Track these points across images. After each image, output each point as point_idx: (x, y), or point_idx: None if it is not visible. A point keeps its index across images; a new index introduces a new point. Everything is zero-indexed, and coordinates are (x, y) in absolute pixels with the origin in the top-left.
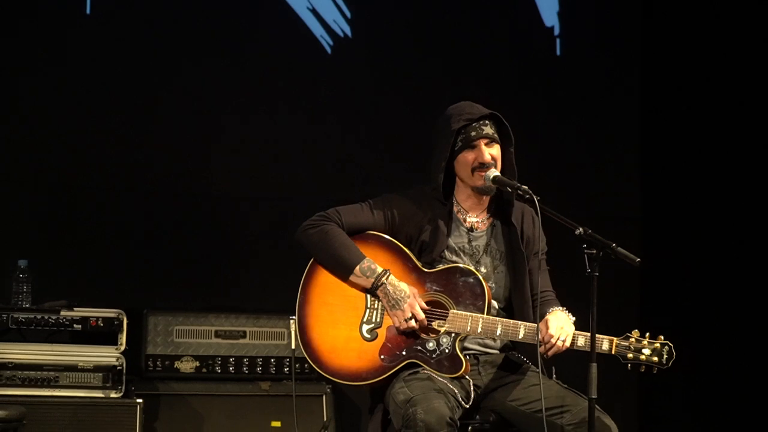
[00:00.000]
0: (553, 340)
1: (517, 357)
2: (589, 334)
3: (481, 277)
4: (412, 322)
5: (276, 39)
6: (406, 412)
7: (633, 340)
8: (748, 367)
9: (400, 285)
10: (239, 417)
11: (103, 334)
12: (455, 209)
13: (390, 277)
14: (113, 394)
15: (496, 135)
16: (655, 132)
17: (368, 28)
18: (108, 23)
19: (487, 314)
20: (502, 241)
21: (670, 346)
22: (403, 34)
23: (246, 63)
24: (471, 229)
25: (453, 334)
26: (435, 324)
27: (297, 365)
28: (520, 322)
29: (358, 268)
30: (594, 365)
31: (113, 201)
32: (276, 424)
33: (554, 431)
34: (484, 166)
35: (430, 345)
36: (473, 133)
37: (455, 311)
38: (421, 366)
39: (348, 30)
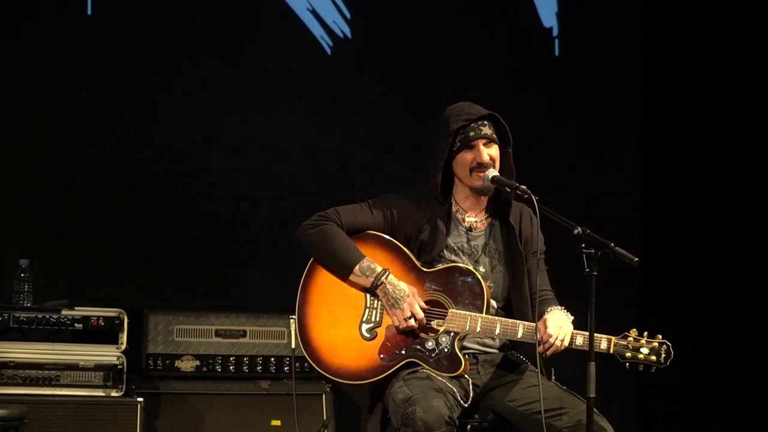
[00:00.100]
0: (551, 340)
1: (516, 356)
2: (587, 333)
3: (479, 277)
4: (412, 321)
5: (276, 40)
6: (406, 410)
7: (631, 339)
8: (747, 367)
9: (399, 284)
10: (239, 416)
11: (104, 334)
12: (454, 209)
13: (389, 277)
14: (114, 393)
15: (494, 135)
16: (654, 132)
17: (368, 29)
18: (108, 24)
19: (485, 313)
20: (501, 241)
21: (668, 345)
22: (402, 35)
23: (246, 63)
24: (470, 229)
25: (452, 334)
26: (434, 323)
27: (297, 364)
28: (518, 321)
29: (357, 267)
30: (592, 364)
31: (114, 201)
32: (276, 422)
33: None
34: (482, 167)
35: (430, 344)
36: (472, 134)
37: (454, 310)
38: (421, 365)
39: (348, 31)
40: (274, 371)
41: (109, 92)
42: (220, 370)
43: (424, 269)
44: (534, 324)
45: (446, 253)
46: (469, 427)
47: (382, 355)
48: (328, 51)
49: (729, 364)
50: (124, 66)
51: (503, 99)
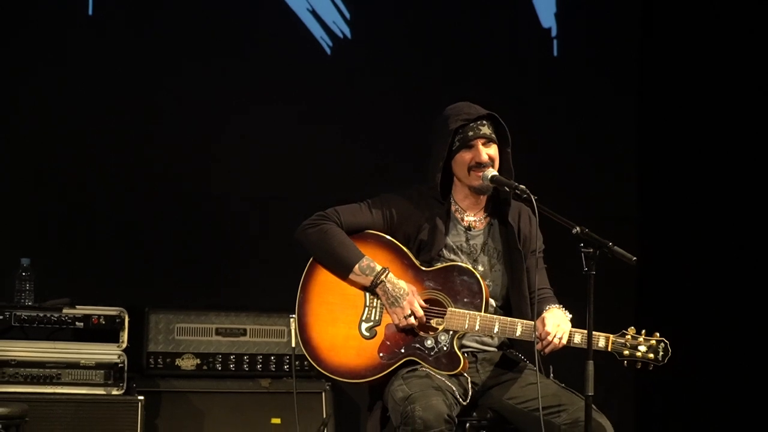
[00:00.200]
0: (549, 338)
1: (514, 355)
2: (585, 331)
3: (478, 276)
4: (411, 320)
5: (276, 40)
6: (405, 409)
7: (629, 337)
8: (745, 365)
9: (398, 283)
10: (239, 414)
11: (105, 332)
12: (453, 208)
13: (389, 275)
14: (115, 391)
15: (493, 135)
16: (653, 132)
17: (367, 30)
18: (109, 24)
19: (484, 312)
20: (500, 240)
21: (665, 343)
22: (401, 35)
23: (246, 63)
24: (468, 228)
25: (451, 332)
26: (433, 322)
27: (297, 363)
28: (517, 319)
29: (357, 266)
30: (590, 363)
31: (115, 200)
32: (276, 420)
33: (550, 430)
34: (481, 166)
35: (429, 343)
36: (470, 133)
37: (453, 309)
38: (420, 363)
39: (347, 31)
40: (274, 370)
41: (110, 92)
42: (220, 368)
43: (424, 268)
44: (532, 322)
45: (445, 253)
46: (468, 425)
47: (381, 354)
48: (328, 51)
49: (727, 362)
50: (124, 66)
51: (502, 99)
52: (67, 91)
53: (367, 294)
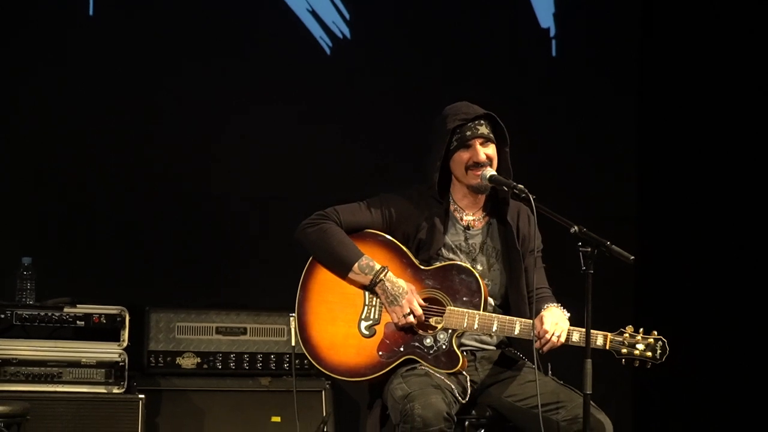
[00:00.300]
0: (548, 336)
1: (513, 353)
2: (583, 329)
3: (477, 275)
4: (410, 318)
5: (276, 40)
6: (404, 407)
7: (627, 335)
8: (743, 363)
9: (398, 282)
10: (240, 412)
11: (106, 331)
12: (452, 208)
13: (388, 274)
14: (116, 390)
15: (491, 135)
16: (652, 132)
17: (367, 30)
18: (109, 25)
19: (483, 311)
20: (498, 239)
21: (663, 342)
22: (401, 35)
23: (246, 63)
24: (467, 228)
25: (450, 331)
26: (432, 320)
27: (297, 361)
28: (515, 318)
29: (356, 265)
30: (589, 361)
31: (116, 200)
32: (276, 419)
33: (549, 427)
34: (479, 166)
35: (428, 341)
36: (468, 133)
37: (452, 308)
38: (419, 362)
39: (347, 31)
40: (274, 368)
41: (110, 92)
42: (220, 367)
43: (423, 267)
44: (531, 321)
45: (444, 252)
46: (467, 423)
47: (380, 352)
48: (328, 51)
49: (725, 361)
50: (124, 66)
51: (501, 99)
52: (67, 91)
53: (367, 293)
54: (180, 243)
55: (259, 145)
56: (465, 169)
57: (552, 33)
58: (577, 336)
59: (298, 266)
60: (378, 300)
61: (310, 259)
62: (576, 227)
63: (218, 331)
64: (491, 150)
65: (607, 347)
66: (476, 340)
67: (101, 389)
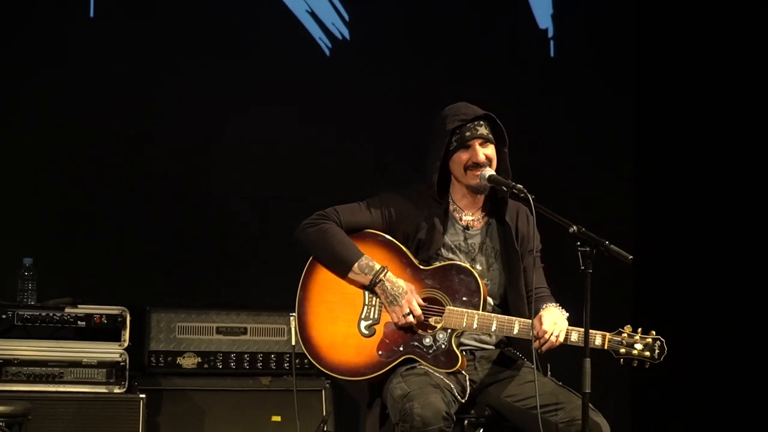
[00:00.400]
0: (546, 336)
1: (512, 353)
2: (582, 329)
3: (476, 275)
4: (410, 318)
5: (275, 41)
6: (404, 406)
7: (625, 335)
8: (741, 363)
9: (397, 282)
10: (240, 411)
11: (107, 331)
12: (451, 208)
13: (388, 274)
14: (117, 390)
15: (490, 135)
16: (649, 132)
17: (366, 31)
18: (110, 26)
19: (482, 311)
20: (497, 239)
21: (661, 341)
22: (400, 36)
23: (246, 64)
24: (466, 228)
25: (449, 330)
26: (431, 320)
27: (297, 361)
28: (514, 318)
29: (356, 265)
30: (587, 360)
31: (116, 200)
32: (276, 418)
33: (548, 428)
34: (478, 166)
35: (427, 341)
36: (468, 133)
37: (451, 308)
38: (418, 361)
39: (346, 32)
40: (274, 368)
41: (110, 93)
42: (221, 366)
43: (422, 267)
44: (530, 321)
45: (443, 252)
46: (466, 422)
47: (380, 352)
48: (327, 52)
49: (724, 360)
50: (124, 67)
51: (500, 99)
52: (68, 92)
53: (367, 292)
54: (180, 243)
55: (259, 145)
56: (464, 169)
57: (550, 34)
58: (575, 336)
59: (297, 266)
60: (378, 300)
61: (310, 258)
62: (575, 227)
63: (219, 330)
64: (490, 150)
65: (606, 347)
66: (475, 340)
67: (102, 389)
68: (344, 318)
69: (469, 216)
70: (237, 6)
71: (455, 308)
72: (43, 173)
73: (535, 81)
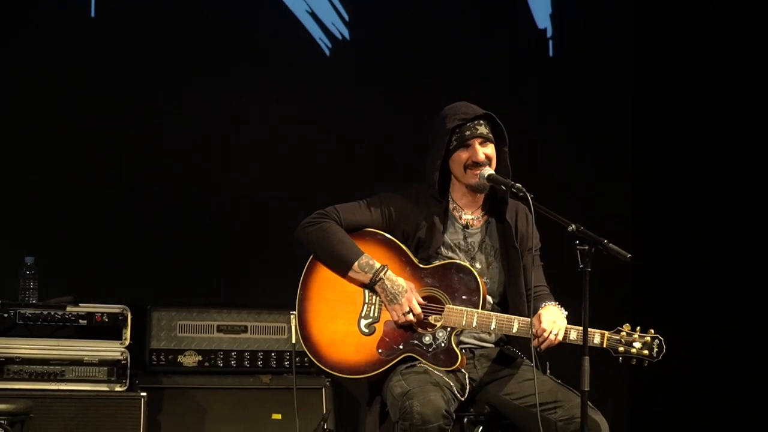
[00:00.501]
0: (546, 334)
1: (511, 351)
2: (581, 327)
3: (476, 273)
4: (410, 317)
5: (275, 41)
6: (403, 404)
7: (624, 333)
8: (740, 361)
9: (397, 280)
10: (241, 410)
11: (108, 329)
12: (451, 206)
13: (388, 273)
14: (118, 388)
15: (490, 134)
16: (647, 132)
17: (366, 31)
18: (111, 26)
19: (482, 309)
20: (497, 238)
21: (660, 340)
22: (399, 36)
23: (246, 64)
24: (466, 226)
25: (449, 329)
26: (431, 318)
27: (297, 359)
28: (514, 316)
29: (356, 264)
30: (586, 358)
31: (117, 200)
32: (277, 416)
33: (547, 426)
34: (477, 165)
35: (427, 339)
36: (468, 133)
37: (451, 306)
38: (418, 359)
39: (346, 32)
40: (274, 366)
41: (111, 93)
42: (221, 365)
43: (422, 266)
44: (529, 319)
45: (443, 250)
46: (465, 420)
47: (380, 350)
48: (327, 52)
49: (722, 359)
50: (124, 67)
51: (499, 99)
52: (69, 92)
53: (367, 291)
54: (180, 242)
55: (259, 145)
56: (464, 168)
57: (549, 34)
58: (574, 334)
59: (297, 266)
60: (378, 298)
61: (311, 257)
62: (573, 226)
63: (219, 329)
64: (490, 150)
65: (605, 345)
66: (475, 338)
67: (104, 387)
68: (344, 316)
69: (469, 215)
70: (237, 6)
71: (455, 307)
72: (44, 173)
73: (534, 81)
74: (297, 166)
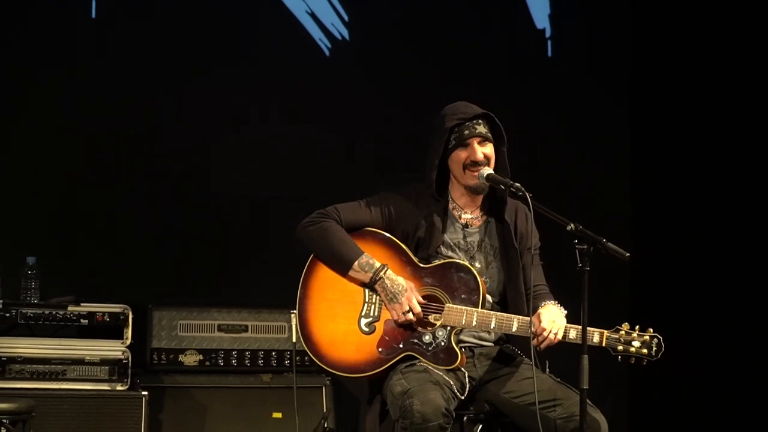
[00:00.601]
0: (545, 333)
1: (511, 349)
2: (580, 327)
3: (475, 272)
4: (410, 316)
5: (275, 41)
6: (403, 403)
7: (623, 332)
8: (738, 360)
9: (397, 279)
10: (241, 408)
11: (109, 329)
12: (450, 206)
13: (388, 272)
14: (119, 387)
15: (489, 134)
16: (646, 131)
17: (365, 31)
18: (112, 27)
19: (481, 308)
20: (496, 238)
21: (659, 339)
22: (399, 36)
23: (246, 65)
24: (465, 226)
25: (448, 328)
26: (431, 317)
27: (297, 358)
28: (513, 315)
29: (356, 263)
30: (585, 357)
31: (118, 200)
32: (277, 415)
33: (546, 424)
34: (476, 165)
35: (427, 338)
36: (466, 132)
37: (451, 305)
38: (418, 358)
39: (346, 33)
40: (275, 365)
41: (111, 93)
42: (222, 364)
43: (422, 265)
44: (528, 318)
45: (443, 250)
46: (465, 418)
47: (380, 349)
48: (327, 53)
49: (720, 357)
50: (125, 67)
51: (498, 99)
52: (69, 92)
53: (367, 290)
54: (181, 242)
55: (259, 145)
56: (463, 169)
57: (548, 34)
58: (573, 333)
59: (297, 265)
60: (378, 297)
61: (311, 256)
62: (572, 225)
63: (220, 328)
64: (489, 149)
65: (604, 344)
66: (474, 337)
67: (105, 386)
68: (344, 315)
69: (468, 214)
70: (237, 7)
71: (454, 306)
72: (45, 173)
73: (532, 81)
74: (297, 166)
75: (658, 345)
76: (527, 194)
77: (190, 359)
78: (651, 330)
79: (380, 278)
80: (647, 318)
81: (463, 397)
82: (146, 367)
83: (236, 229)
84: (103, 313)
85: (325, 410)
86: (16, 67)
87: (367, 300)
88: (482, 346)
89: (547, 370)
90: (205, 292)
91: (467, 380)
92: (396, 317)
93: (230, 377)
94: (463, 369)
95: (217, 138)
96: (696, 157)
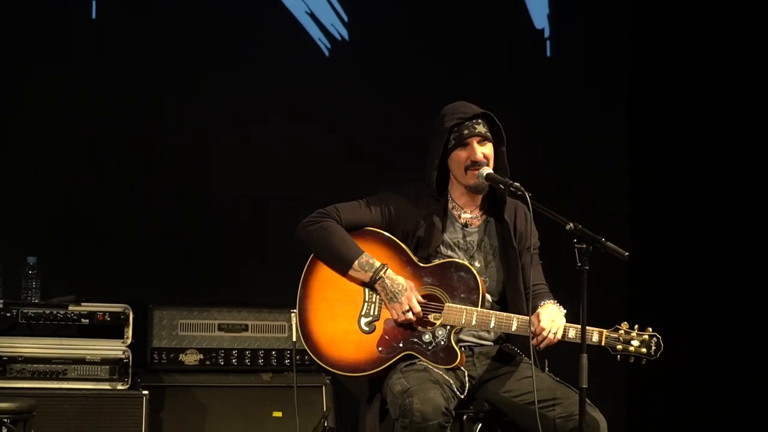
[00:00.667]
0: (544, 333)
1: (510, 349)
2: (579, 326)
3: (475, 272)
4: (409, 315)
5: (275, 42)
6: (403, 402)
7: (622, 332)
8: (737, 359)
9: (397, 279)
10: (242, 407)
11: (110, 328)
12: (450, 206)
13: (388, 272)
14: (120, 386)
15: (488, 134)
16: (645, 131)
17: (365, 31)
18: (112, 27)
19: (481, 307)
20: (496, 237)
21: (658, 338)
22: (398, 36)
23: (246, 65)
24: (465, 225)
25: (448, 327)
26: (431, 317)
27: (297, 357)
28: (513, 315)
29: (356, 262)
30: (584, 355)
31: (119, 200)
32: (277, 414)
33: (545, 423)
34: (476, 164)
35: (426, 337)
36: (466, 132)
37: (450, 304)
38: (418, 357)
39: (345, 33)
40: (275, 364)
41: (112, 93)
42: (223, 363)
43: (421, 264)
44: (528, 317)
45: (442, 249)
46: (465, 417)
47: (380, 348)
48: (326, 53)
49: (719, 357)
50: (125, 67)
51: (498, 99)
52: (70, 92)
53: (367, 290)
54: (181, 242)
55: (259, 145)
56: (463, 168)
57: (546, 34)
58: (573, 332)
59: (297, 265)
60: (377, 297)
61: (311, 256)
62: (571, 224)
63: (220, 327)
64: (488, 149)
65: (603, 343)
66: (474, 336)
67: (106, 386)
68: (344, 315)
69: (468, 214)
70: (237, 7)
71: (454, 305)
72: (46, 173)
73: (532, 81)
74: (297, 166)
75: (657, 344)
76: (527, 194)
77: (191, 358)
78: (650, 329)
79: (380, 278)
80: (646, 317)
81: (462, 396)
82: (147, 367)
83: (236, 229)
84: (104, 313)
85: (325, 409)
86: (16, 67)
87: (367, 299)
88: (482, 345)
89: (547, 369)
90: (205, 292)
91: (467, 379)
92: (396, 316)
93: (230, 376)
94: (462, 368)
95: (217, 138)
96: (695, 157)
